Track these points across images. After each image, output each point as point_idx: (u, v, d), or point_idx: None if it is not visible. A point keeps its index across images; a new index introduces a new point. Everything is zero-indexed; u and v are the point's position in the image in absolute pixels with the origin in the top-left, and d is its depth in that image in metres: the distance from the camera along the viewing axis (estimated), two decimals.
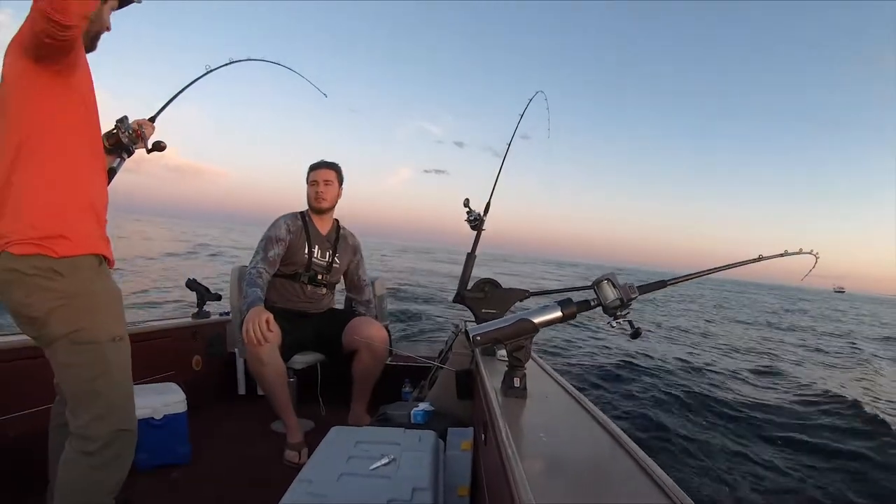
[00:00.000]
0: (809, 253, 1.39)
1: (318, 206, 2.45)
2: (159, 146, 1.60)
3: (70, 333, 1.20)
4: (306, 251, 2.42)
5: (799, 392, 5.82)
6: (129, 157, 1.54)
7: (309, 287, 2.45)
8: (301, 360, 2.39)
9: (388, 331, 2.95)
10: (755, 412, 4.73)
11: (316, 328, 2.43)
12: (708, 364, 6.92)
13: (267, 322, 2.05)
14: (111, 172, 1.47)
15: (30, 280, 1.15)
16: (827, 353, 10.05)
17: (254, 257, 2.37)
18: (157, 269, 13.50)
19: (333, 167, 2.49)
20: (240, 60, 1.92)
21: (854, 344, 11.89)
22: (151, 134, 1.59)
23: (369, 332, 2.32)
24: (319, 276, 2.46)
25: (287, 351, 2.27)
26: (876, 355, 10.08)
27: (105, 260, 1.29)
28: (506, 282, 2.09)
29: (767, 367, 7.25)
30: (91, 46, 1.30)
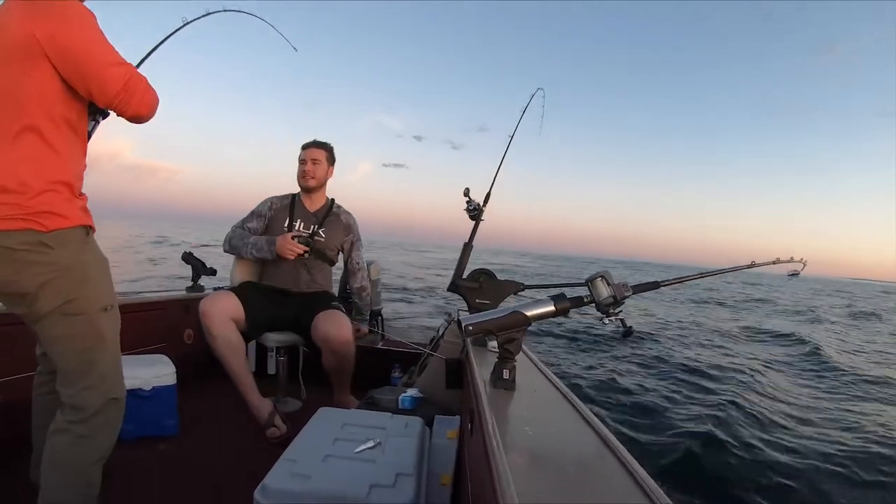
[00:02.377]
0: (800, 261, 1.49)
1: (305, 184, 2.44)
2: None
3: (62, 305, 1.19)
4: (286, 224, 2.42)
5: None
6: (103, 119, 1.43)
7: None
8: (275, 338, 2.36)
9: (381, 315, 2.94)
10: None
11: (295, 310, 2.36)
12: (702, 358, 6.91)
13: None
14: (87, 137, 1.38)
15: (18, 256, 1.13)
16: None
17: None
18: None
19: (324, 146, 2.49)
20: (216, 11, 1.89)
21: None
22: None
23: (328, 330, 2.18)
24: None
25: (258, 329, 2.26)
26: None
27: (90, 229, 1.28)
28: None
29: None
30: None
